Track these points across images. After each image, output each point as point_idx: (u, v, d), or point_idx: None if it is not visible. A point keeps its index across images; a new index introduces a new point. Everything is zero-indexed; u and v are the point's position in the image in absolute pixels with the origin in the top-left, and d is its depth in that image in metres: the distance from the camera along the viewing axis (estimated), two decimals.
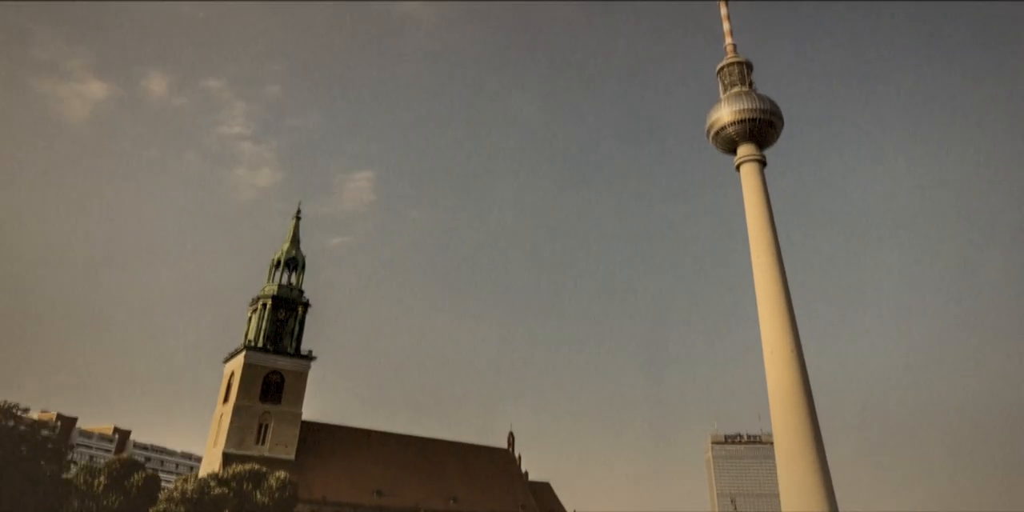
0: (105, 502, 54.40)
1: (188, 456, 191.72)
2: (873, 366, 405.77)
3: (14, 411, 52.40)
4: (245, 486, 50.00)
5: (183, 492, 48.67)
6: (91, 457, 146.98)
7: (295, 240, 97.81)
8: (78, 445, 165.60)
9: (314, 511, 74.89)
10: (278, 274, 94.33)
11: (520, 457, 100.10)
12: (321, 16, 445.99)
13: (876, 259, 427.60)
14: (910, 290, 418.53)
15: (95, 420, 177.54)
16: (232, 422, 79.72)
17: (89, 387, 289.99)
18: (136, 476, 55.09)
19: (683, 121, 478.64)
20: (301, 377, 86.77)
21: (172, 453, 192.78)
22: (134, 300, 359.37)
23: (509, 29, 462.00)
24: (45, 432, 54.76)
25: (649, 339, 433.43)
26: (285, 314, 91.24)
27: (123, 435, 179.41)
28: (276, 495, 49.71)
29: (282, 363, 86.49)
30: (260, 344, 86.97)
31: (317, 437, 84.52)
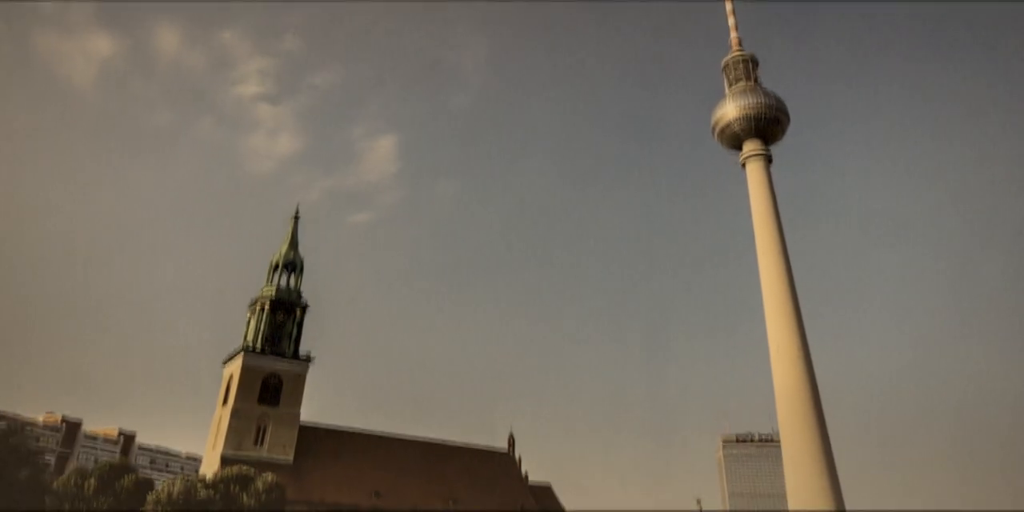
0: (95, 504, 53.85)
1: (192, 458, 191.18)
2: (879, 365, 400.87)
3: None
4: (233, 489, 49.17)
5: (169, 495, 47.81)
6: (96, 460, 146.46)
7: (294, 242, 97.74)
8: (83, 447, 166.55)
9: None
10: (276, 276, 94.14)
11: (520, 459, 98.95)
12: None
13: (881, 257, 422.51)
14: (917, 288, 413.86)
15: (99, 422, 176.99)
16: (230, 424, 79.50)
17: (92, 389, 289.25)
18: (126, 479, 54.55)
19: (692, 120, 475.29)
20: (299, 379, 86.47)
21: (176, 455, 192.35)
22: (137, 298, 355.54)
23: (515, 28, 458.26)
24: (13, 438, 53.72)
25: (653, 338, 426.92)
26: (283, 316, 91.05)
27: (128, 438, 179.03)
28: (263, 498, 48.87)
29: (280, 365, 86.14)
30: (258, 347, 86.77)
31: (316, 439, 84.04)
